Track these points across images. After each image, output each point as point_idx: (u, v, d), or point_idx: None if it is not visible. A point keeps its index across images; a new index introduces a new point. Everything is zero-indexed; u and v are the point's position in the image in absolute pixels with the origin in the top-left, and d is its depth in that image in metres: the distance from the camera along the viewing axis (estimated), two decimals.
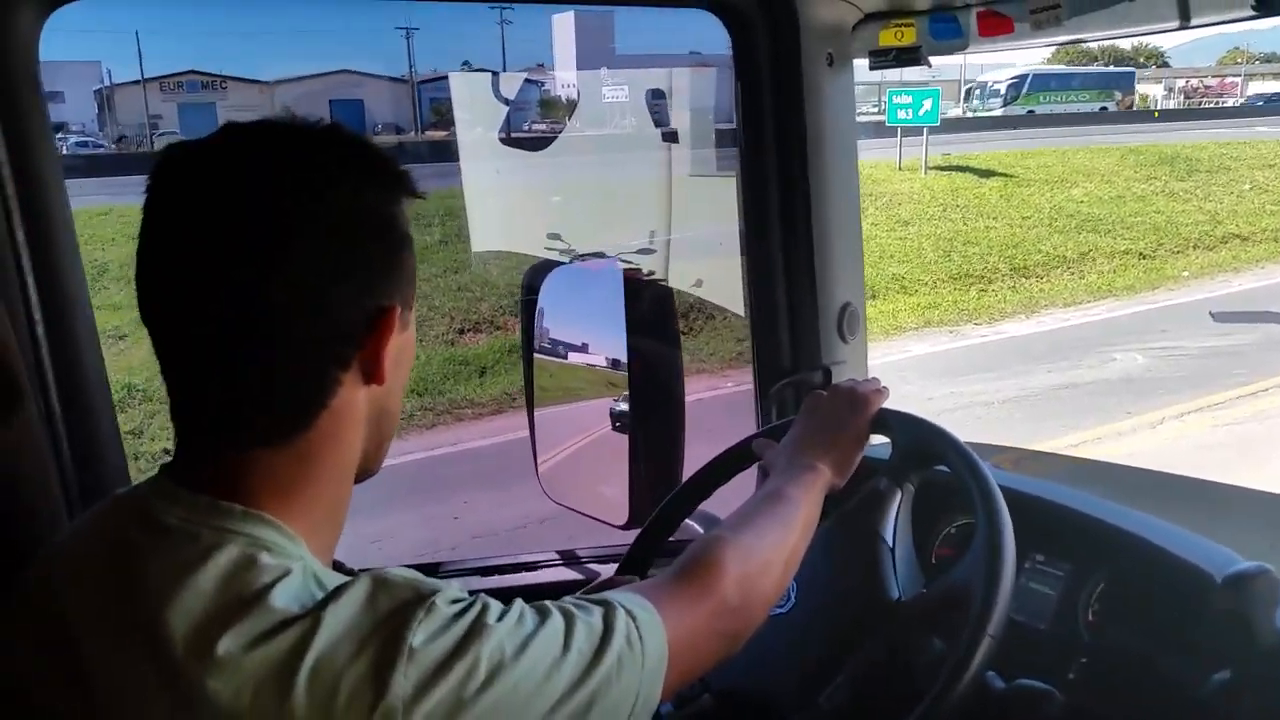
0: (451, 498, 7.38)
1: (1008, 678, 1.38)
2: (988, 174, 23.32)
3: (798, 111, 2.02)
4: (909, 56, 1.93)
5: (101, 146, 25.69)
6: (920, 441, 1.56)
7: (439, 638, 0.91)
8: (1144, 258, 18.51)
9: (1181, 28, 1.66)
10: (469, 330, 11.76)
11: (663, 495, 1.81)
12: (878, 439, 1.61)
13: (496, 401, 10.33)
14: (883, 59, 1.96)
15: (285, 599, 0.91)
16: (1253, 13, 1.55)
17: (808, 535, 1.39)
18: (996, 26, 1.81)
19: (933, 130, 22.50)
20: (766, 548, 1.29)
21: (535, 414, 2.29)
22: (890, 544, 1.50)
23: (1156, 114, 49.92)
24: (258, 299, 0.95)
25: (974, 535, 1.41)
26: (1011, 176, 23.37)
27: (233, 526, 0.96)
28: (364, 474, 1.11)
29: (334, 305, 0.99)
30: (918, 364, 9.00)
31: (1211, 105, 62.23)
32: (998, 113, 43.26)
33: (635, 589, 1.16)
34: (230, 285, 0.95)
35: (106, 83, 27.21)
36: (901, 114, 21.61)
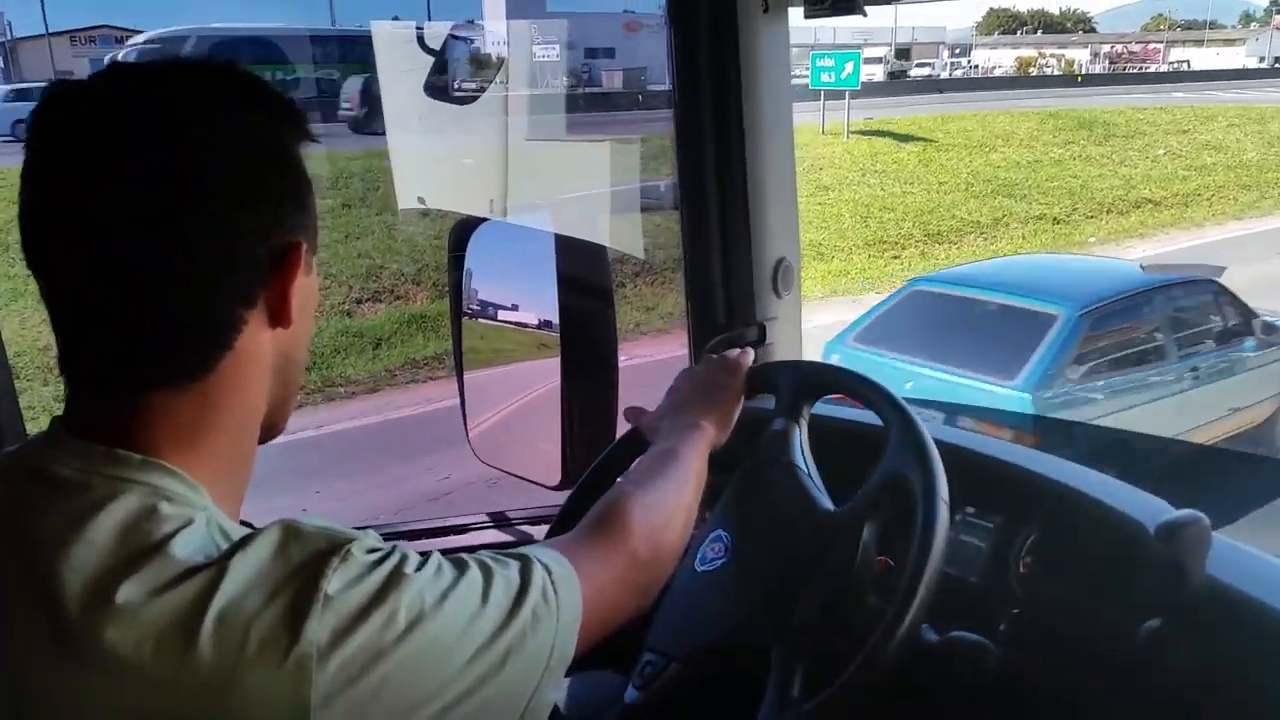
0: (304, 487, 6.92)
1: (941, 630, 1.38)
2: (907, 139, 23.53)
3: (733, 60, 1.98)
4: (845, 5, 1.88)
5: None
6: (803, 376, 1.67)
7: (355, 586, 0.89)
8: (1058, 222, 18.71)
9: None
10: (368, 300, 11.46)
11: (596, 454, 1.80)
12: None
13: (374, 379, 10.04)
14: (818, 7, 1.92)
15: (188, 549, 0.88)
16: None
17: (700, 488, 1.45)
18: None
19: (861, 94, 22.64)
20: (668, 502, 1.34)
21: (464, 376, 2.25)
22: (805, 469, 1.56)
23: (1079, 78, 50.83)
24: (163, 228, 0.91)
25: (887, 436, 1.47)
26: (931, 141, 23.59)
27: (129, 475, 0.92)
28: (270, 430, 1.09)
29: (242, 236, 0.96)
30: (818, 335, 9.05)
31: (1135, 70, 63.51)
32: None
33: (549, 544, 1.17)
34: (134, 217, 0.91)
35: (8, 36, 26.43)
36: (824, 76, 21.60)
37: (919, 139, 23.58)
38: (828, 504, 1.50)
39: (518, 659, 0.98)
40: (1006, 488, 1.66)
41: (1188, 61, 70.40)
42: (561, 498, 1.86)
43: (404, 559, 0.94)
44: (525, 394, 2.28)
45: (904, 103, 31.01)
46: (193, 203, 0.92)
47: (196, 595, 0.84)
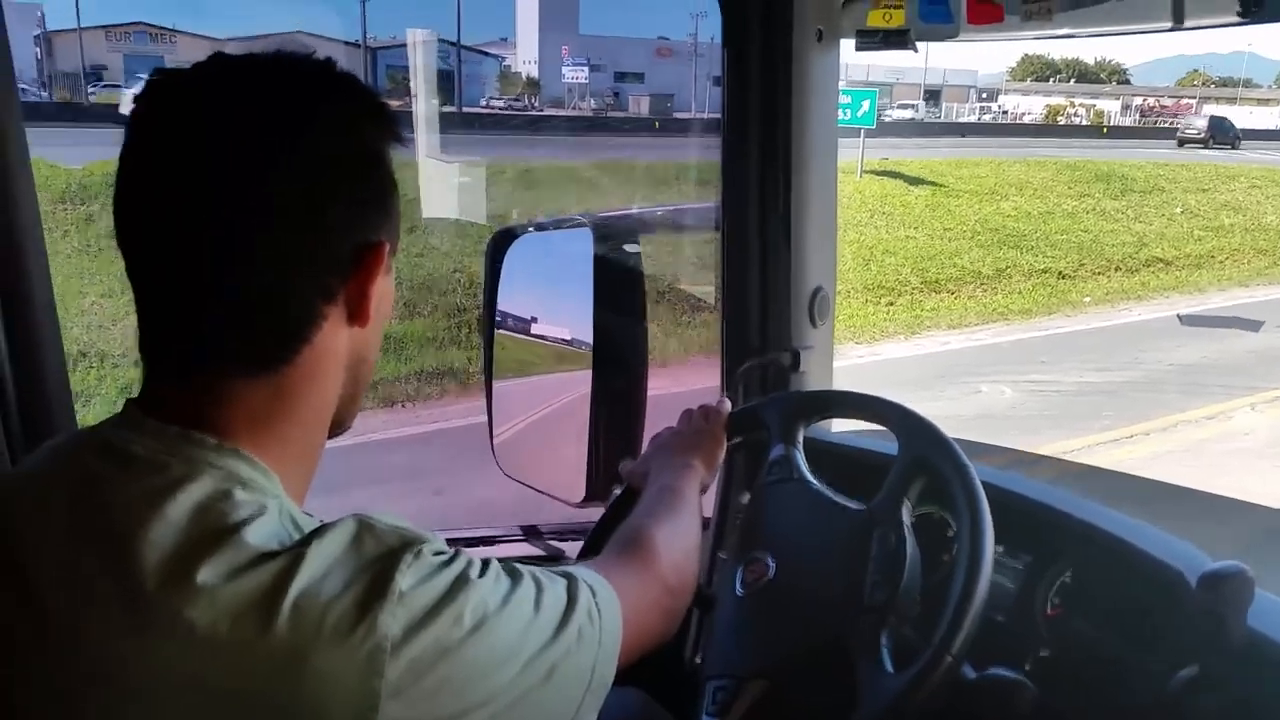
0: None
1: (977, 668, 1.38)
2: (918, 181, 23.30)
3: (785, 87, 2.01)
4: (897, 39, 1.91)
5: (41, 96, 25.21)
6: (790, 403, 1.78)
7: (426, 583, 0.91)
8: (1063, 277, 18.30)
9: (1174, 28, 1.66)
10: None
11: None
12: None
13: None
14: (870, 40, 1.95)
15: (261, 536, 0.90)
16: (1238, 18, 1.57)
17: (699, 522, 1.51)
18: (986, 14, 1.80)
19: (881, 133, 22.42)
20: (682, 532, 1.41)
21: (493, 386, 2.26)
22: (817, 484, 1.62)
23: (1105, 130, 50.90)
24: (254, 220, 0.94)
25: (894, 431, 1.57)
26: (942, 186, 23.37)
27: (206, 458, 0.94)
28: (338, 426, 1.11)
29: (328, 232, 0.99)
30: None
31: (1167, 125, 63.64)
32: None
33: (589, 564, 1.20)
34: (227, 207, 0.93)
35: (43, 28, 26.72)
36: (839, 114, 21.51)
37: (930, 183, 23.30)
38: (856, 504, 1.53)
39: (563, 675, 1.00)
40: (1036, 527, 1.66)
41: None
42: (583, 514, 1.90)
43: (469, 563, 0.97)
44: (552, 407, 2.31)
45: (928, 145, 30.97)
46: (284, 197, 0.95)
47: (274, 579, 0.87)
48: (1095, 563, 1.58)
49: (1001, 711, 1.36)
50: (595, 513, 1.86)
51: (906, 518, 1.47)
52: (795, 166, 2.06)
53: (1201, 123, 47.19)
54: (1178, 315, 10.48)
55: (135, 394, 1.02)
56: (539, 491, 2.12)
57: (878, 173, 23.30)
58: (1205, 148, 41.55)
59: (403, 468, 7.26)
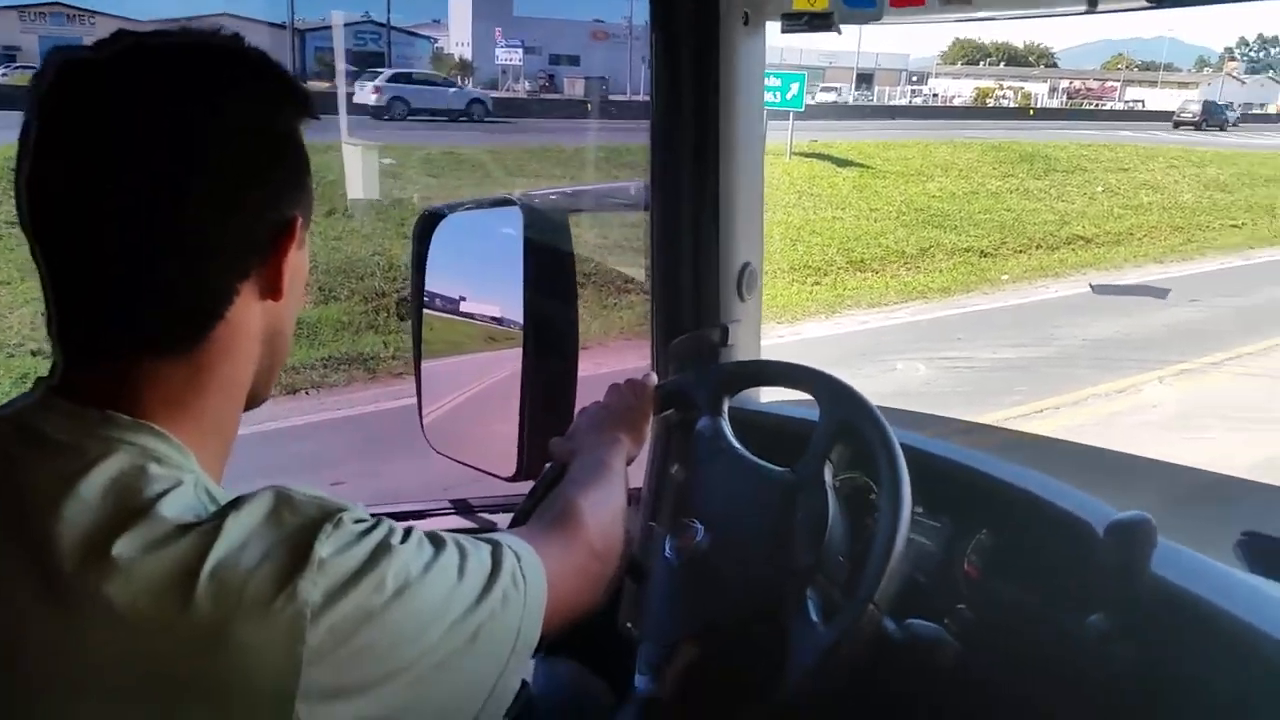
0: None
1: (897, 620, 1.43)
2: (846, 163, 23.29)
3: (712, 69, 2.04)
4: (821, 22, 1.93)
5: None
6: (715, 375, 1.84)
7: (346, 552, 0.93)
8: (984, 255, 18.24)
9: (1089, 11, 1.71)
10: None
11: None
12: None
13: None
14: (795, 23, 1.97)
15: (177, 509, 0.91)
16: (1147, 3, 1.65)
17: (624, 492, 1.55)
18: None
19: (811, 116, 22.31)
20: (610, 501, 1.46)
21: (422, 366, 2.28)
22: (741, 450, 1.69)
23: (1032, 111, 51.38)
24: (166, 200, 0.94)
25: (814, 395, 1.65)
26: (869, 167, 23.39)
27: (119, 436, 0.94)
28: (254, 399, 1.12)
29: (241, 210, 0.99)
30: None
31: (1091, 107, 64.38)
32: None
33: (515, 533, 1.22)
34: (138, 187, 0.94)
35: None
36: (769, 96, 21.39)
37: (857, 164, 23.39)
38: (782, 470, 1.59)
39: (488, 637, 1.02)
40: (955, 489, 1.70)
41: (1143, 101, 71.31)
42: (515, 488, 1.94)
43: (390, 530, 0.98)
44: (481, 384, 2.33)
45: (857, 127, 30.95)
46: (196, 176, 0.95)
47: (192, 551, 0.87)
48: (1010, 521, 1.63)
49: (924, 666, 1.41)
50: (526, 488, 1.90)
51: (830, 478, 1.53)
52: (723, 145, 2.08)
53: (1196, 106, 48.51)
54: (1090, 284, 10.43)
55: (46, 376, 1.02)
56: (469, 466, 2.14)
57: (806, 154, 23.35)
58: (1199, 130, 43.02)
59: (308, 456, 7.04)
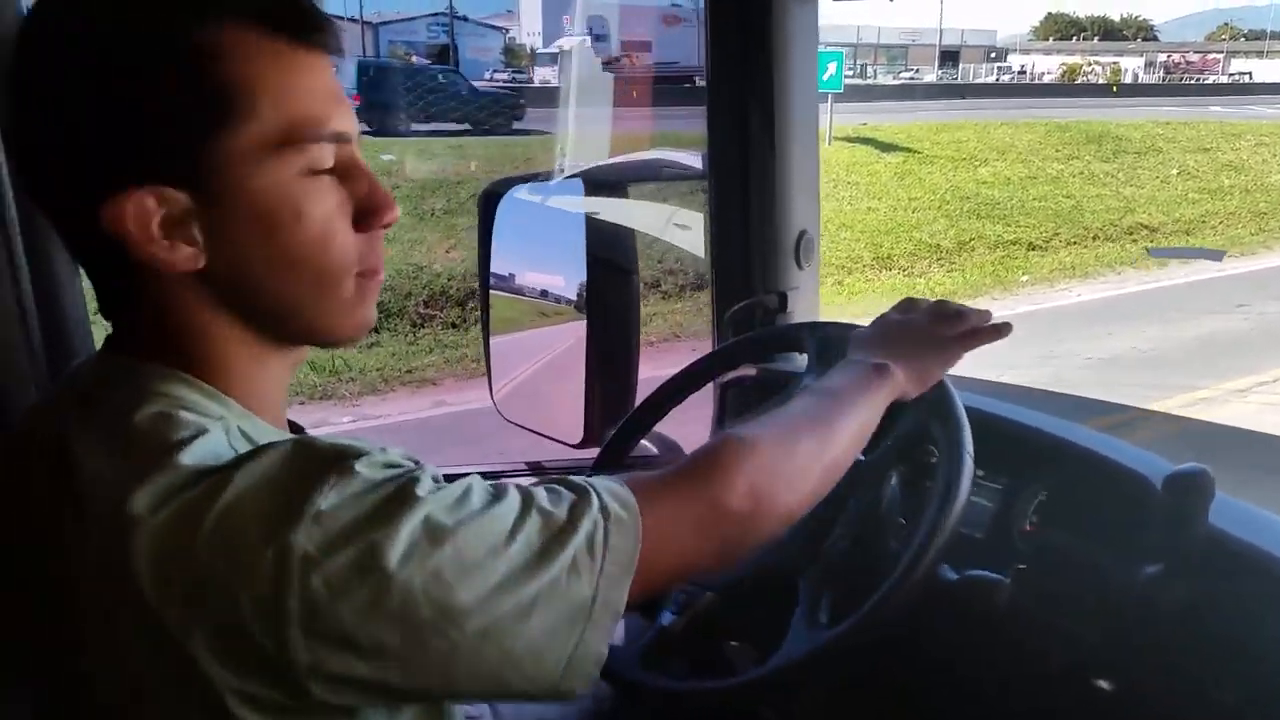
0: None
1: (958, 572, 1.45)
2: (891, 148, 22.06)
3: (766, 39, 2.08)
4: None
5: None
6: (823, 333, 1.70)
7: (351, 504, 0.86)
8: (1033, 249, 16.90)
9: None
10: None
11: (617, 414, 1.92)
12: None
13: None
14: None
15: (199, 455, 0.88)
16: None
17: (860, 443, 1.30)
18: None
19: (856, 97, 21.49)
20: (800, 455, 1.18)
21: (490, 340, 2.34)
22: None
23: (1115, 88, 48.79)
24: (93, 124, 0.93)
25: None
26: (916, 152, 22.08)
27: (150, 386, 0.95)
28: (310, 335, 1.07)
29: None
30: None
31: (1191, 81, 61.77)
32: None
33: (625, 479, 1.06)
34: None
35: None
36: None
37: (903, 149, 22.18)
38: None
39: (549, 608, 0.93)
40: (1013, 448, 1.68)
41: (1249, 74, 68.02)
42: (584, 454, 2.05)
43: (416, 480, 0.90)
44: (548, 356, 2.39)
45: (918, 108, 29.73)
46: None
47: (200, 501, 0.85)
48: (1068, 477, 1.62)
49: (979, 608, 1.43)
50: (594, 453, 1.93)
51: (894, 480, 1.51)
52: (779, 113, 2.12)
53: None
54: (1147, 248, 10.06)
55: None
56: (540, 434, 2.22)
57: (850, 139, 22.15)
58: None
59: None
